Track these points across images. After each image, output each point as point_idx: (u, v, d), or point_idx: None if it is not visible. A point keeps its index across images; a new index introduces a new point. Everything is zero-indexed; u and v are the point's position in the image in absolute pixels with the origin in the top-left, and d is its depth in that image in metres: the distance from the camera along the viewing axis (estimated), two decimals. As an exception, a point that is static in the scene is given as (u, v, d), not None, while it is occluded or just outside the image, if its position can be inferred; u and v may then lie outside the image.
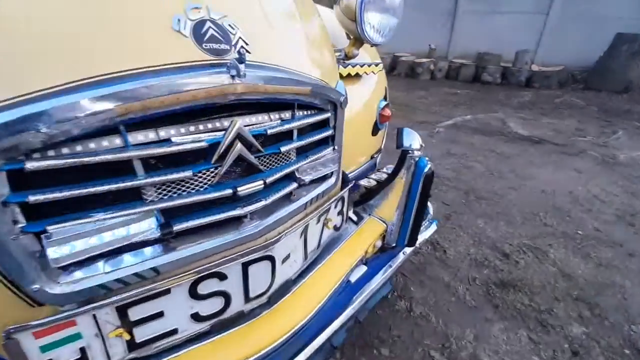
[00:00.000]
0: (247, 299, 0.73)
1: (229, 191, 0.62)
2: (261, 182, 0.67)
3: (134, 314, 0.59)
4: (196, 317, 0.67)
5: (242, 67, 0.55)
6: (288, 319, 0.79)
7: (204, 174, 0.61)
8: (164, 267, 0.58)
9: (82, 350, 0.57)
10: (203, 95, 0.54)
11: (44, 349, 0.53)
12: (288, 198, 0.80)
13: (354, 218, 1.17)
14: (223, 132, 0.61)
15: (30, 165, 0.44)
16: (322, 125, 0.89)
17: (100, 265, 0.54)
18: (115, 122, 0.49)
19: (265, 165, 0.72)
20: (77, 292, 0.52)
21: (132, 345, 0.61)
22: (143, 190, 0.55)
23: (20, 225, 0.46)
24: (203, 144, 0.57)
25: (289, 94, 0.69)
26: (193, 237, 0.62)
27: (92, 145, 0.49)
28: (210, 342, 0.70)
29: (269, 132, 0.67)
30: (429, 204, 1.49)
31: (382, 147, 1.57)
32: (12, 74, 0.42)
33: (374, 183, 1.18)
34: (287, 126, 0.72)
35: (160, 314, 0.62)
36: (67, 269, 0.52)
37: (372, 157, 1.45)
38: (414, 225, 1.10)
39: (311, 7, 0.96)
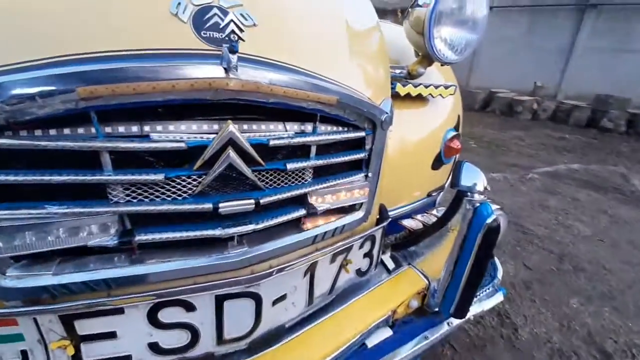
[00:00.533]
0: (220, 340, 0.60)
1: (207, 206, 0.52)
2: (252, 201, 0.55)
3: (82, 327, 0.51)
4: (155, 347, 0.57)
5: (233, 58, 0.45)
6: (270, 376, 0.64)
7: (185, 180, 0.52)
8: (117, 282, 0.50)
9: (24, 353, 0.51)
10: (185, 87, 0.45)
11: (-17, 343, 0.48)
12: (296, 226, 0.67)
13: (390, 265, 0.96)
14: (214, 137, 0.51)
15: (-21, 141, 0.40)
16: (356, 145, 0.74)
17: (48, 266, 0.48)
18: (80, 106, 0.43)
19: (269, 183, 0.60)
20: (19, 289, 0.46)
21: (77, 363, 0.53)
22: (109, 189, 0.48)
23: (-30, 205, 0.43)
24: (181, 145, 0.48)
25: (306, 102, 0.57)
26: (159, 253, 0.53)
27: (56, 128, 0.44)
28: (169, 381, 0.59)
29: (271, 143, 0.55)
30: (498, 264, 1.18)
31: (447, 185, 1.32)
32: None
33: (420, 226, 0.96)
34: (298, 140, 0.59)
35: (112, 335, 0.53)
36: (17, 262, 0.47)
37: (429, 195, 1.22)
38: (466, 290, 0.84)
39: (368, 15, 0.84)
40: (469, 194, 0.78)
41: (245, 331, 0.62)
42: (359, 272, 0.84)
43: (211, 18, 0.49)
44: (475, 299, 0.95)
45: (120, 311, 0.52)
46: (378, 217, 0.90)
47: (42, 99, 0.40)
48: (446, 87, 1.10)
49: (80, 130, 0.46)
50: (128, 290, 0.51)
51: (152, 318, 0.54)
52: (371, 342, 0.78)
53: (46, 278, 0.47)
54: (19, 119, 0.41)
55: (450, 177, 0.84)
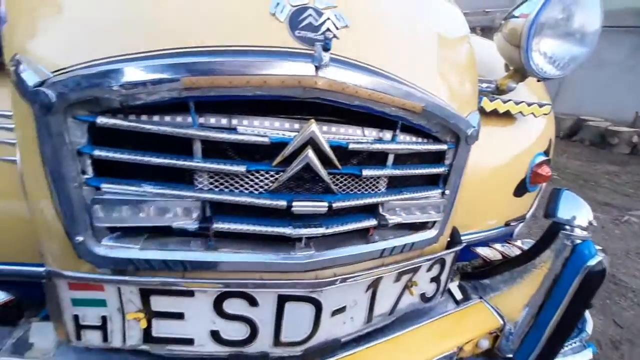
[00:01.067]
0: (277, 341, 0.59)
1: (282, 203, 0.52)
2: (325, 204, 0.54)
3: (156, 303, 0.54)
4: (216, 336, 0.57)
5: (325, 56, 0.45)
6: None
7: (263, 176, 0.53)
8: (192, 265, 0.52)
9: (104, 319, 0.55)
10: (276, 83, 0.46)
11: (75, 302, 0.53)
12: (364, 237, 0.64)
13: (457, 295, 0.87)
14: (295, 135, 0.51)
15: (100, 120, 0.45)
16: (436, 159, 0.69)
17: (136, 240, 0.52)
18: (182, 95, 0.46)
19: (341, 188, 0.58)
20: (110, 258, 0.51)
21: (147, 336, 0.57)
22: (196, 175, 0.51)
23: (85, 177, 0.48)
24: (265, 139, 0.49)
25: (390, 107, 0.55)
26: (231, 243, 0.54)
27: (157, 115, 0.48)
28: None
29: (350, 146, 0.54)
30: (587, 316, 1.00)
31: (529, 215, 1.18)
32: (99, 40, 0.46)
33: (498, 257, 0.85)
34: (378, 146, 0.57)
35: (180, 315, 0.56)
36: (111, 233, 0.52)
37: (507, 224, 1.09)
38: (552, 341, 0.72)
39: (459, 25, 0.80)
40: (567, 227, 0.67)
41: (302, 337, 0.60)
42: (424, 297, 0.77)
43: (306, 18, 0.49)
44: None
45: (190, 294, 0.54)
46: (449, 240, 0.82)
47: (152, 86, 0.44)
48: (540, 106, 0.98)
49: (178, 119, 0.50)
50: (200, 275, 0.53)
51: (218, 306, 0.55)
52: (431, 378, 0.70)
53: (134, 251, 0.51)
54: (130, 104, 0.46)
55: (545, 205, 0.73)
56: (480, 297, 0.84)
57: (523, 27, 0.85)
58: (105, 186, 0.48)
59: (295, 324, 0.59)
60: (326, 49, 0.44)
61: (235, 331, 0.57)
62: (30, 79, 0.44)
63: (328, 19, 0.49)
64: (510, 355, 0.78)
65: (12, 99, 0.53)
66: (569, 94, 7.82)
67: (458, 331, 0.77)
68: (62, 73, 0.45)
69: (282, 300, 0.56)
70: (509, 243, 0.89)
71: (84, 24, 0.48)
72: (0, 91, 0.59)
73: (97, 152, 0.47)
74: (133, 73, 0.43)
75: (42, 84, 0.43)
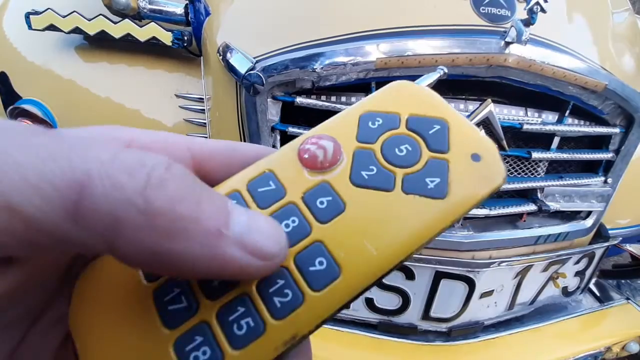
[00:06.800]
0: (426, 315, 0.62)
1: (452, 181, 0.53)
2: (493, 184, 0.53)
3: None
4: (370, 303, 0.62)
5: (526, 30, 0.44)
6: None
7: (431, 155, 0.54)
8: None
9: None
10: (464, 61, 0.47)
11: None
12: (515, 222, 0.62)
13: (597, 292, 0.80)
14: (467, 115, 0.52)
15: (298, 100, 0.51)
16: (596, 144, 0.64)
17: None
18: (368, 76, 0.49)
19: (500, 170, 0.58)
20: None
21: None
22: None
23: (274, 151, 0.55)
24: (444, 119, 0.50)
25: (569, 85, 0.52)
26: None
27: (342, 97, 0.52)
28: (369, 337, 0.63)
29: (524, 127, 0.53)
30: None
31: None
32: (294, 27, 0.51)
33: (653, 256, 0.76)
34: (551, 127, 0.55)
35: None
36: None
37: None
38: None
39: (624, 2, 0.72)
40: None
41: (450, 314, 0.62)
42: (565, 291, 0.73)
43: (491, -5, 0.49)
44: None
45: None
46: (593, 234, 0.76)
47: (351, 67, 0.48)
48: None
49: (353, 99, 0.53)
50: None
51: (375, 276, 0.59)
52: (574, 376, 0.67)
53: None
54: (321, 85, 0.51)
55: None
56: (627, 298, 0.77)
57: None
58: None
59: (447, 301, 0.60)
60: (529, 23, 0.43)
61: (388, 301, 0.61)
62: (241, 65, 0.51)
63: (538, -5, 0.47)
64: (666, 365, 0.70)
65: (212, 84, 0.62)
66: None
67: (603, 330, 0.71)
68: (264, 58, 0.51)
69: (438, 276, 0.58)
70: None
71: (279, 13, 0.53)
72: (187, 79, 0.69)
73: (290, 129, 0.52)
74: (336, 55, 0.47)
75: (252, 68, 0.50)
